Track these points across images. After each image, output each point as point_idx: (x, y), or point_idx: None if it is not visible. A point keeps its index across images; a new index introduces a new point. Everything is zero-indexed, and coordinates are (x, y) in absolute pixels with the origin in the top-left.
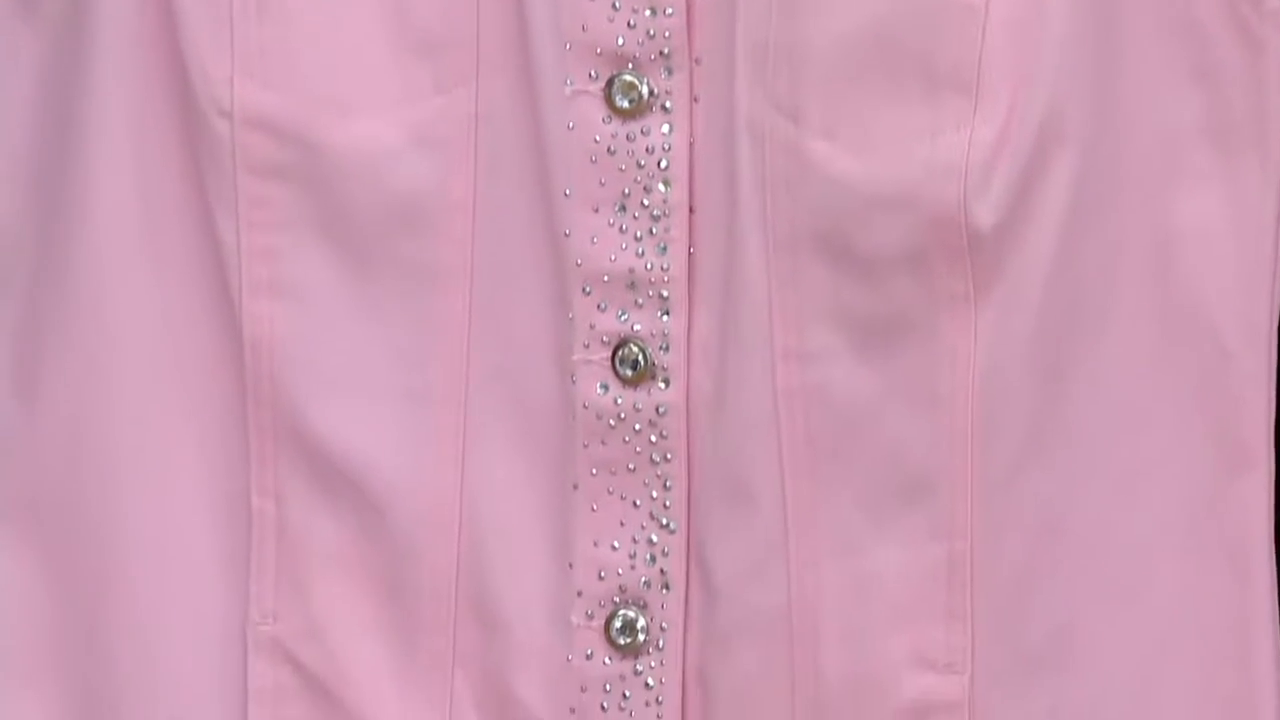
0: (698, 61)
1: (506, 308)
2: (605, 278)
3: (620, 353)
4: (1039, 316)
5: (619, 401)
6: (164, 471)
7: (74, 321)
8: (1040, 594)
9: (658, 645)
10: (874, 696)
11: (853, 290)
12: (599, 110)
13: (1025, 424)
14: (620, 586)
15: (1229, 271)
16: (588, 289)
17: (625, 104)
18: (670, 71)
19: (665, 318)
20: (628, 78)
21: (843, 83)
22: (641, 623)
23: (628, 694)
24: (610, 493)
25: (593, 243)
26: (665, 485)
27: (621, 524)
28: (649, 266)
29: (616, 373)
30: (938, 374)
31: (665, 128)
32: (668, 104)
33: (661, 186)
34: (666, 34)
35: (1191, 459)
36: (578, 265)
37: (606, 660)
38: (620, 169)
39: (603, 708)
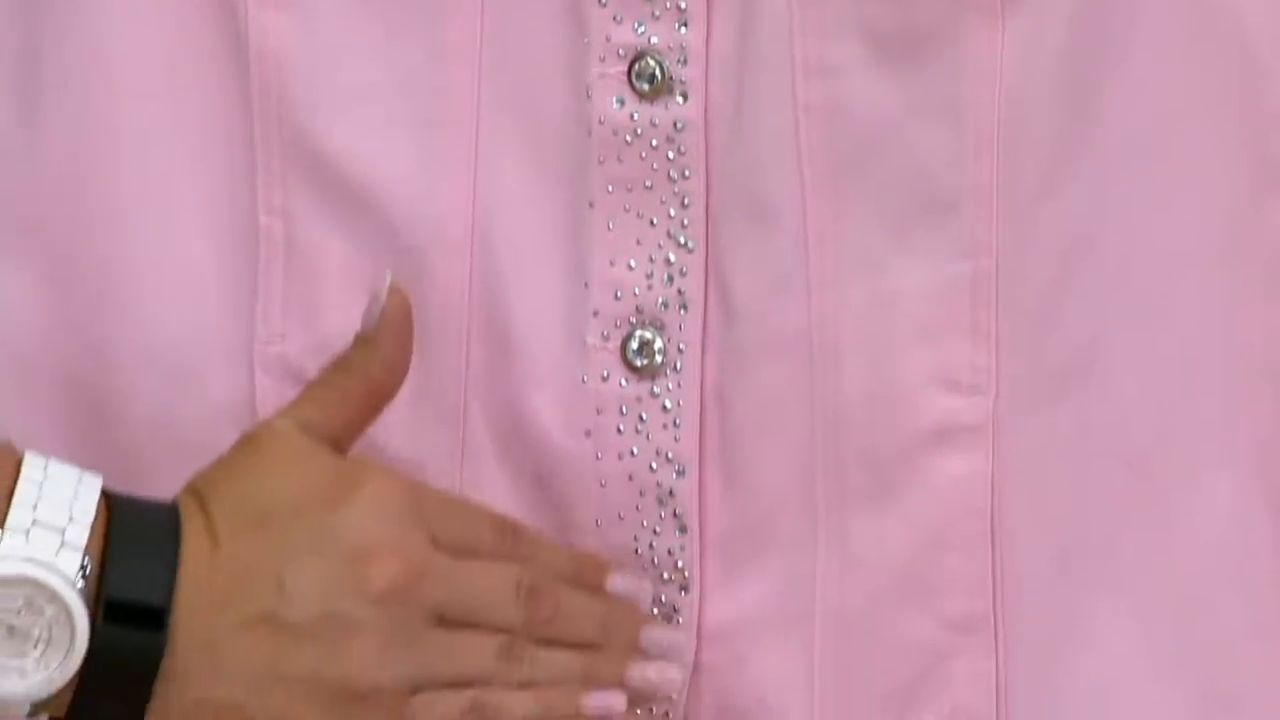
0: None
1: (519, 31)
2: None
3: (637, 66)
4: (1069, 25)
5: (635, 116)
6: (167, 190)
7: (75, 35)
8: (1066, 312)
9: (675, 367)
10: (896, 417)
11: (875, 1)
12: None
13: (1053, 137)
14: (637, 307)
15: None
16: (603, 1)
17: None
18: None
19: (683, 29)
20: None
21: None
22: (659, 344)
23: (644, 416)
24: (626, 210)
25: None
26: (683, 203)
27: (638, 243)
28: None
29: (633, 87)
30: (962, 86)
31: None
32: None
33: None
34: None
35: (1225, 174)
36: None
37: (623, 382)
38: None
39: (619, 430)
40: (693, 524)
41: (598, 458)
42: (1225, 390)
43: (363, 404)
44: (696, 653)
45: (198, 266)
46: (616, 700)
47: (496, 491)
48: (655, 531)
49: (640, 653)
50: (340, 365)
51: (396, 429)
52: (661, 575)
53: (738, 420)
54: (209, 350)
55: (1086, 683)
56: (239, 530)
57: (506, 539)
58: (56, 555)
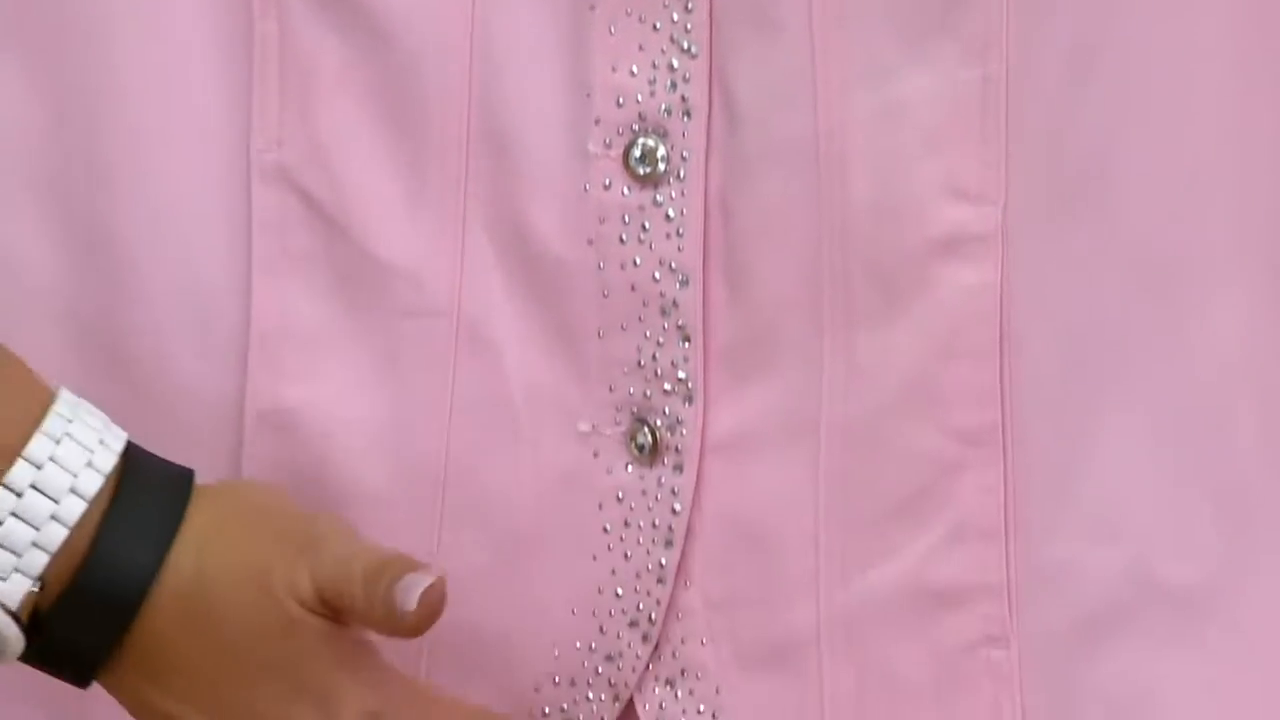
0: None
1: None
2: None
3: None
4: None
5: None
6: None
7: None
8: (1077, 120)
9: (678, 175)
10: (903, 227)
11: None
12: None
13: None
14: (639, 114)
15: None
16: None
17: None
18: None
19: None
20: None
21: None
22: (661, 151)
23: (647, 225)
24: (629, 15)
25: None
26: (686, 7)
27: (640, 48)
28: None
29: None
30: None
31: None
32: None
33: None
34: None
35: None
36: None
37: (625, 190)
38: None
39: (621, 239)
40: (696, 334)
41: (600, 267)
42: (1240, 201)
43: (353, 619)
44: (700, 464)
45: (194, 76)
46: None
47: (496, 301)
48: (658, 342)
49: None
50: (368, 596)
51: (396, 239)
52: (664, 386)
53: (742, 229)
54: (206, 162)
55: (1096, 494)
56: (196, 662)
57: None
58: (6, 580)
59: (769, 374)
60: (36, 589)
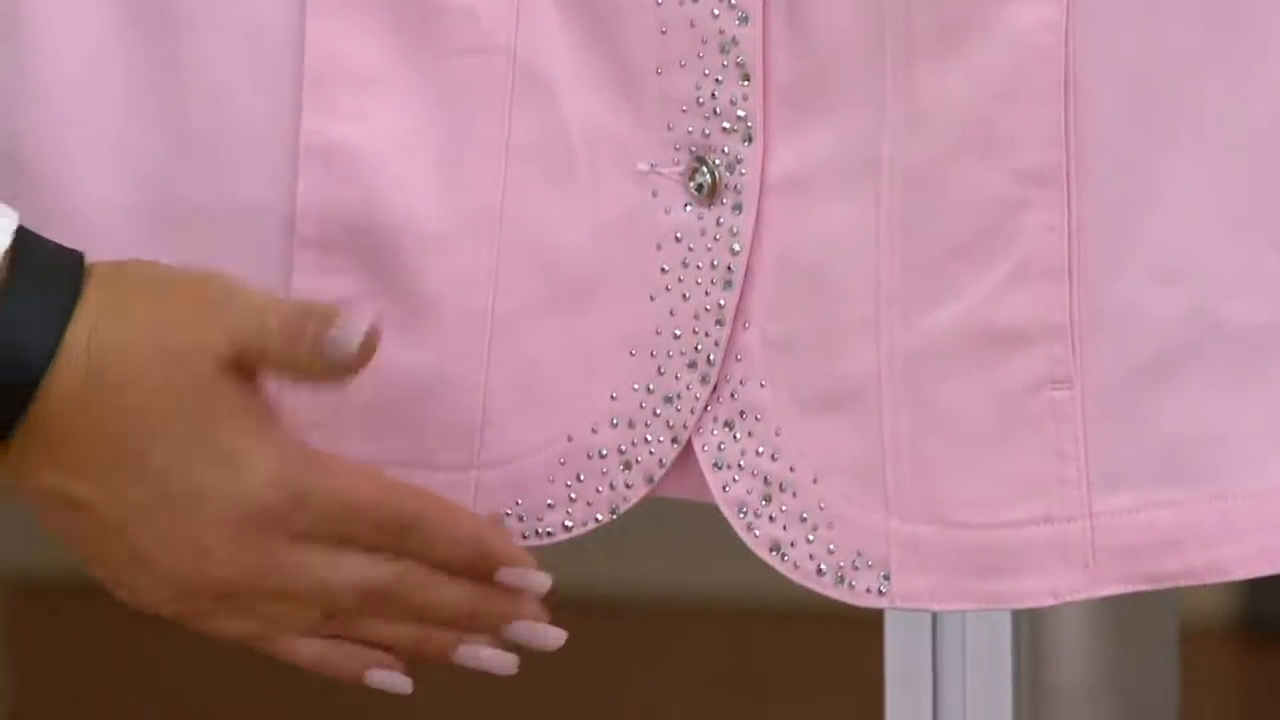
0: None
1: None
2: None
3: None
4: None
5: None
6: None
7: None
8: None
9: None
10: None
11: None
12: None
13: None
14: None
15: None
16: None
17: None
18: None
19: None
20: None
21: None
22: None
23: None
24: None
25: None
26: None
27: None
28: None
29: None
30: None
31: None
32: None
33: None
34: None
35: None
36: None
37: None
38: None
39: None
40: (756, 73)
41: (658, 3)
42: None
43: (284, 369)
44: (759, 205)
45: None
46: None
47: (553, 38)
48: (717, 80)
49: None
50: (293, 340)
51: None
52: (723, 125)
53: None
54: None
55: (1158, 233)
56: (106, 437)
57: (393, 538)
58: None
59: (829, 114)
60: None
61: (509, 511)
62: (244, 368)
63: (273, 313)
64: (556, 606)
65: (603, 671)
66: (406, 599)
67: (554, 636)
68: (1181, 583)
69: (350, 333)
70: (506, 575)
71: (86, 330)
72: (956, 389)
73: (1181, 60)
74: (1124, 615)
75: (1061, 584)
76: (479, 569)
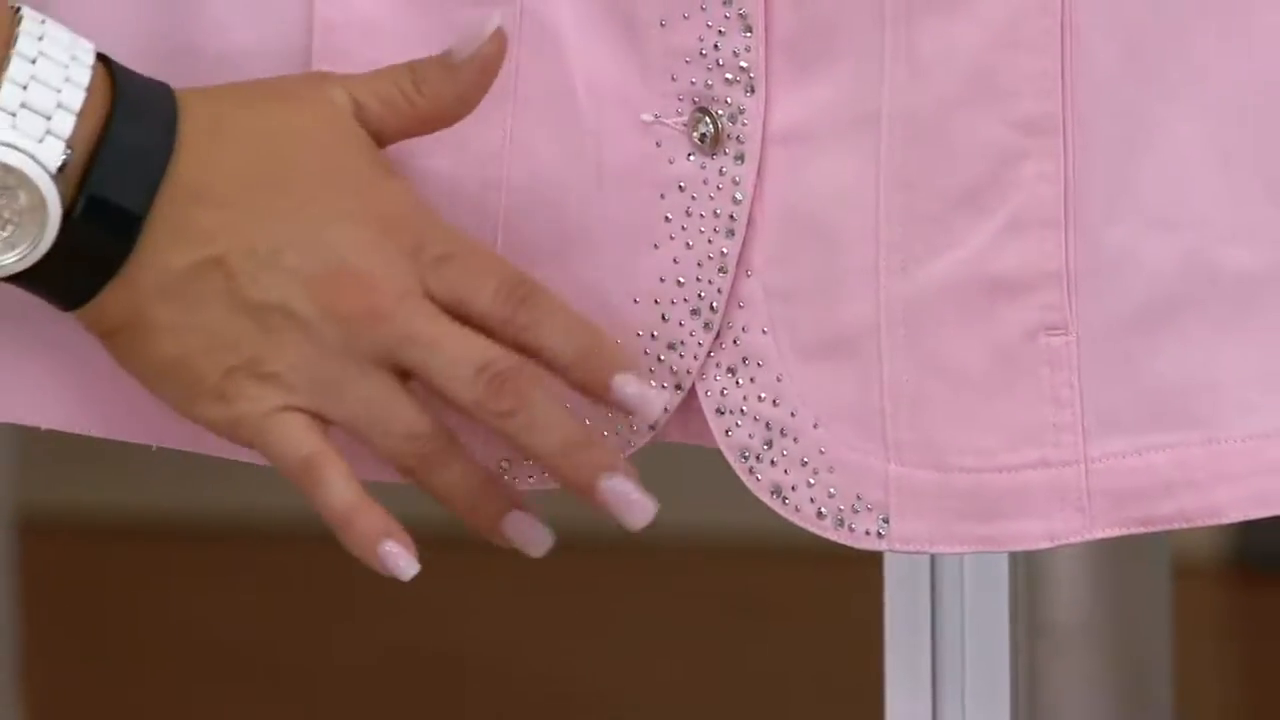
0: None
1: None
2: None
3: None
4: None
5: None
6: None
7: None
8: None
9: None
10: None
11: None
12: None
13: None
14: None
15: None
16: None
17: None
18: None
19: None
20: None
21: None
22: None
23: None
24: None
25: None
26: None
27: None
28: None
29: None
30: None
31: None
32: None
33: None
34: None
35: None
36: None
37: None
38: None
39: None
40: (758, 24)
41: None
42: None
43: (417, 122)
44: (762, 156)
45: None
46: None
47: None
48: (720, 31)
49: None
50: (415, 76)
51: None
52: (725, 76)
53: None
54: None
55: (1153, 182)
56: (241, 170)
57: (509, 302)
58: (40, 143)
59: (831, 66)
60: (68, 153)
61: (515, 457)
62: (366, 122)
63: (395, 69)
64: (559, 547)
65: (611, 607)
66: (524, 396)
67: (648, 507)
68: (1175, 525)
69: (470, 37)
70: (624, 385)
71: (204, 106)
72: (954, 336)
73: (1176, 9)
74: (1118, 554)
75: (1058, 527)
76: (587, 370)
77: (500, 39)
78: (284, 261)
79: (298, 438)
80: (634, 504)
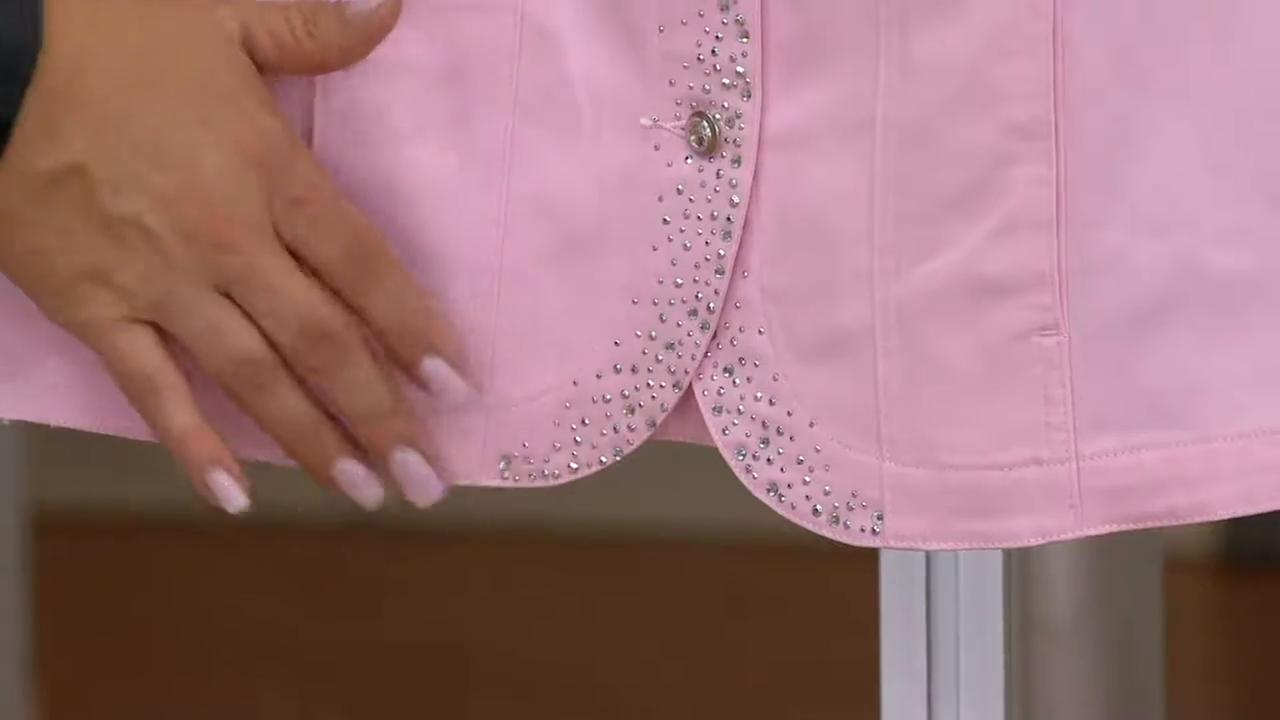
0: None
1: None
2: None
3: None
4: None
5: None
6: None
7: None
8: None
9: None
10: None
11: None
12: None
13: None
14: None
15: None
16: None
17: None
18: None
19: None
20: None
21: None
22: None
23: None
24: None
25: None
26: None
27: None
28: None
29: None
30: None
31: None
32: None
33: None
34: None
35: None
36: None
37: None
38: None
39: None
40: (755, 30)
41: None
42: None
43: (300, 61)
44: (758, 159)
45: None
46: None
47: None
48: (717, 37)
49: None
50: (307, 18)
51: None
52: (723, 81)
53: None
54: None
55: (1144, 185)
56: (115, 66)
57: (348, 261)
58: None
59: (826, 71)
60: None
61: (516, 454)
62: (252, 51)
63: (282, 4)
64: (561, 542)
65: (611, 602)
66: (340, 356)
67: (434, 487)
68: (1165, 522)
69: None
70: (432, 367)
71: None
72: (947, 337)
73: (1167, 15)
74: (1111, 550)
75: (1050, 524)
76: (403, 345)
77: (396, 5)
78: (143, 174)
79: (141, 354)
80: (422, 480)
